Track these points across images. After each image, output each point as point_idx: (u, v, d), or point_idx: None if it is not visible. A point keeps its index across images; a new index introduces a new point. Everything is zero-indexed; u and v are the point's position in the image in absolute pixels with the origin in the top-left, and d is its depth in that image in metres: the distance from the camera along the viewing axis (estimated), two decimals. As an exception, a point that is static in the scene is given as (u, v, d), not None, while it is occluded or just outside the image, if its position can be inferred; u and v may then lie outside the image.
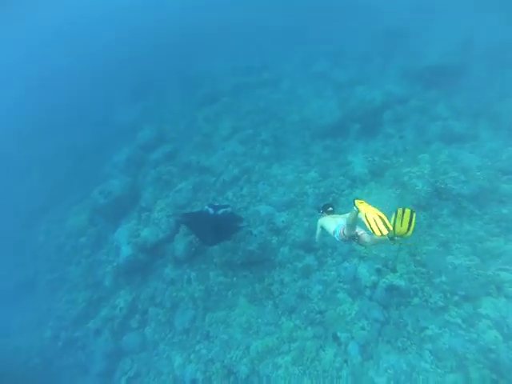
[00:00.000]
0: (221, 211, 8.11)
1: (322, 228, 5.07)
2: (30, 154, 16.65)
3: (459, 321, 5.98)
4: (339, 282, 7.39)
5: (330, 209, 5.13)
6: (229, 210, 8.36)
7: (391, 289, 6.69)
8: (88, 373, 8.45)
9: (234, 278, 8.25)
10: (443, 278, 6.42)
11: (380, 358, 5.95)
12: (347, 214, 4.42)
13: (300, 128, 12.44)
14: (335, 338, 6.58)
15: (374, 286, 6.93)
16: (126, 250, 9.18)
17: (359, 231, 4.15)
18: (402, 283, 6.65)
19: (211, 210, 8.09)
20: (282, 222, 8.63)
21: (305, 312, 7.14)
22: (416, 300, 6.45)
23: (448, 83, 11.62)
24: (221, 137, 13.04)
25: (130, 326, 8.57)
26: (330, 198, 8.93)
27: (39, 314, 10.10)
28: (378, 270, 7.05)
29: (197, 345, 7.65)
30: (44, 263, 11.28)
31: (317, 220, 5.34)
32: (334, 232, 4.51)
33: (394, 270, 7.00)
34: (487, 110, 10.11)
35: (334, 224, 4.64)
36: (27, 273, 11.44)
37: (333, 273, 7.60)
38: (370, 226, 3.66)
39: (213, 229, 7.55)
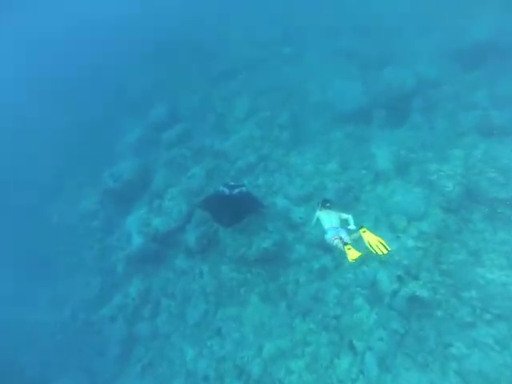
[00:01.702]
0: (236, 191, 7.89)
1: (318, 220, 6.10)
2: (42, 126, 16.25)
3: (491, 341, 5.56)
4: (357, 286, 7.06)
5: (328, 204, 6.10)
6: (244, 189, 8.08)
7: (413, 298, 6.33)
8: (105, 355, 8.67)
9: (248, 275, 8.02)
10: (473, 293, 6.00)
11: (399, 373, 5.71)
12: (342, 214, 5.97)
13: (321, 110, 11.64)
14: (351, 346, 6.36)
15: (395, 294, 6.58)
16: (137, 240, 9.05)
17: (343, 235, 5.54)
18: (425, 293, 6.28)
19: (226, 190, 7.89)
20: (300, 218, 8.22)
21: (320, 316, 6.91)
22: (440, 313, 6.10)
23: (493, 65, 10.31)
24: (236, 118, 12.39)
25: (142, 316, 8.62)
26: (351, 194, 8.42)
27: (59, 293, 10.28)
28: (400, 278, 6.66)
29: (208, 340, 7.62)
30: (60, 244, 11.31)
31: (315, 211, 6.34)
32: (326, 233, 5.70)
33: (416, 278, 6.61)
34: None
35: (327, 222, 5.80)
36: (47, 252, 11.49)
37: (350, 276, 7.25)
38: (373, 249, 5.16)
39: (228, 209, 7.44)
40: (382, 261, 7.04)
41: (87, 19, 24.14)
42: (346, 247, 5.21)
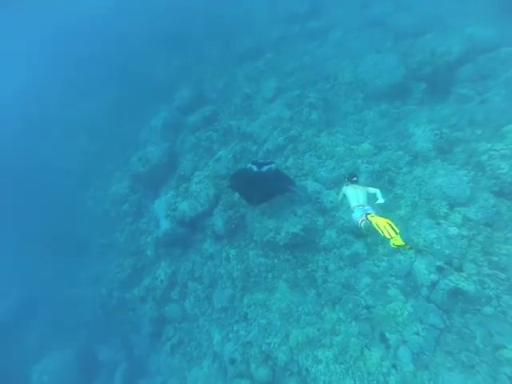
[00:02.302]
0: (265, 168, 7.66)
1: (344, 196, 5.91)
2: (69, 114, 16.69)
3: None
4: (391, 275, 6.62)
5: (355, 179, 5.89)
6: (273, 166, 7.85)
7: (455, 292, 5.79)
8: (140, 331, 9.02)
9: (275, 260, 7.80)
10: None
11: (439, 372, 5.30)
12: (370, 188, 5.76)
13: (352, 89, 10.82)
14: (383, 338, 6.01)
15: (433, 285, 6.08)
16: (164, 224, 9.08)
17: (371, 212, 5.25)
18: (470, 287, 5.72)
19: (255, 167, 7.73)
20: (331, 202, 7.78)
21: (350, 305, 6.58)
22: (489, 309, 5.54)
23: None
24: (264, 98, 11.91)
25: (171, 298, 8.76)
26: (386, 177, 7.81)
27: (95, 272, 10.78)
28: (440, 268, 6.12)
29: (235, 325, 7.58)
30: (94, 227, 11.75)
31: (342, 187, 6.15)
32: (353, 212, 5.48)
33: (459, 270, 6.04)
34: None
35: (355, 199, 5.57)
36: (83, 233, 12.00)
37: (384, 264, 6.80)
38: (382, 232, 4.80)
39: (257, 187, 7.31)
40: (420, 249, 6.53)
41: (113, 5, 24.03)
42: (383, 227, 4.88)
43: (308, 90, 11.38)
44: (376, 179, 7.82)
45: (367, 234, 6.48)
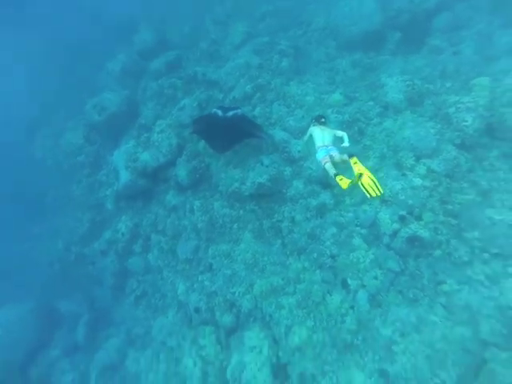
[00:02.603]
0: (230, 113, 7.37)
1: (310, 136, 5.71)
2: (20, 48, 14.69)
3: (482, 278, 5.33)
4: (356, 225, 6.66)
5: (323, 120, 5.82)
6: (239, 112, 7.53)
7: (413, 239, 5.97)
8: (102, 284, 8.77)
9: (241, 211, 7.62)
10: (476, 234, 5.59)
11: (389, 308, 5.58)
12: (337, 131, 5.66)
13: (325, 36, 10.35)
14: (344, 284, 6.17)
15: (395, 234, 6.22)
16: (124, 175, 8.49)
17: (334, 153, 5.29)
18: (426, 234, 5.88)
19: (220, 112, 7.37)
20: (299, 152, 7.55)
21: (315, 255, 6.62)
22: (438, 252, 5.77)
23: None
24: (232, 44, 11.08)
25: (133, 251, 8.47)
26: (356, 128, 7.64)
27: (51, 227, 10.16)
28: (402, 218, 6.23)
29: (200, 275, 7.48)
30: (46, 179, 10.86)
31: (308, 127, 5.96)
32: (317, 152, 5.37)
33: (419, 219, 6.19)
34: None
35: (320, 139, 5.41)
36: (34, 187, 11.10)
37: (350, 215, 6.82)
38: (365, 188, 4.67)
39: (223, 132, 7.04)
40: (385, 200, 6.58)
41: None
42: (338, 177, 4.87)
43: (279, 36, 10.78)
44: (345, 129, 7.49)
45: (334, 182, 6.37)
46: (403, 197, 6.33)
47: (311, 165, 7.27)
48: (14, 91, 13.28)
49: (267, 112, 8.37)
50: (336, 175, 5.02)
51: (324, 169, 5.23)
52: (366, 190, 4.74)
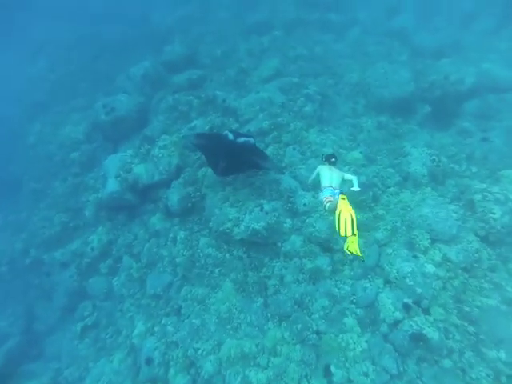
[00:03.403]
0: (242, 139, 6.75)
1: (318, 174, 5.31)
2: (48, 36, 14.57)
3: None
4: (351, 302, 5.82)
5: (333, 159, 5.37)
6: (251, 140, 6.89)
7: (417, 336, 5.09)
8: (52, 301, 7.64)
9: (227, 255, 6.76)
10: (502, 354, 4.71)
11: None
12: (347, 175, 5.32)
13: (356, 92, 10.00)
14: (327, 372, 5.21)
15: (396, 324, 5.37)
16: (112, 184, 7.73)
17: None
18: (434, 334, 5.03)
19: (231, 136, 6.74)
20: (304, 204, 6.84)
21: (299, 326, 5.69)
22: (447, 363, 4.89)
23: None
24: (260, 77, 10.73)
25: (98, 270, 7.50)
26: (370, 193, 7.00)
27: (17, 220, 9.24)
28: (407, 307, 5.41)
29: (164, 317, 6.50)
30: (31, 167, 10.08)
31: (317, 164, 5.60)
32: (321, 191, 4.95)
33: (427, 313, 5.35)
34: None
35: (327, 179, 5.00)
36: (16, 172, 10.35)
37: (347, 288, 5.99)
38: (338, 223, 4.09)
39: (227, 155, 6.44)
40: (390, 280, 5.78)
41: None
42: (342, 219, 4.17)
43: (309, 80, 10.38)
44: (359, 192, 6.97)
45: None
46: (411, 282, 5.54)
47: (315, 223, 6.53)
48: (30, 75, 12.93)
49: (280, 154, 7.78)
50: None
51: (325, 208, 4.78)
52: (338, 222, 4.11)
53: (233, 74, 11.25)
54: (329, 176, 5.08)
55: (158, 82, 11.02)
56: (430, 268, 5.58)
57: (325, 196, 4.81)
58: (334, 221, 4.33)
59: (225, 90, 10.31)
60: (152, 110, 10.21)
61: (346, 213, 4.13)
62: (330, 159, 5.38)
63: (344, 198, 4.39)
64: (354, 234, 4.08)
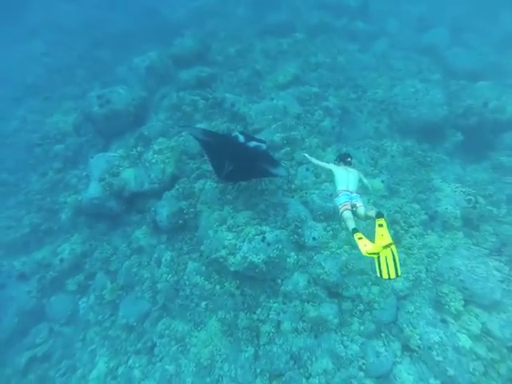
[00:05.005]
0: (253, 143, 6.13)
1: (331, 172, 4.64)
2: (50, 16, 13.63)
3: None
4: (360, 369, 4.76)
5: (349, 159, 4.80)
6: (263, 146, 6.22)
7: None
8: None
9: (217, 288, 5.69)
10: None
11: None
12: (363, 177, 4.75)
13: (380, 110, 8.98)
14: None
15: (415, 407, 4.30)
16: (94, 188, 6.71)
17: (358, 203, 4.09)
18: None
19: (241, 138, 6.16)
20: (314, 238, 5.79)
21: (293, 391, 4.64)
22: None
23: None
24: (275, 82, 9.68)
25: (64, 287, 6.42)
26: (391, 231, 5.93)
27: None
28: (431, 387, 4.34)
29: (133, 356, 5.47)
30: (7, 156, 8.99)
31: (329, 162, 4.97)
32: (337, 196, 4.28)
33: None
34: None
35: (344, 182, 4.36)
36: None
37: (355, 348, 4.94)
38: (378, 263, 3.38)
39: (235, 158, 5.62)
40: (410, 348, 4.72)
41: None
42: (357, 235, 3.52)
43: (329, 92, 9.37)
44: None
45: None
46: (440, 357, 4.47)
47: (324, 262, 5.48)
48: (24, 57, 11.94)
49: (290, 174, 6.74)
50: (355, 231, 3.61)
51: (341, 216, 4.02)
52: (379, 264, 3.38)
53: (245, 75, 10.23)
54: (345, 178, 4.42)
55: (163, 76, 9.99)
56: (465, 341, 4.52)
57: (340, 203, 4.15)
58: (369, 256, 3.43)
59: (235, 92, 9.30)
60: (153, 106, 9.18)
61: (386, 251, 3.37)
62: (346, 159, 4.78)
63: (382, 225, 3.54)
64: (397, 275, 3.37)
